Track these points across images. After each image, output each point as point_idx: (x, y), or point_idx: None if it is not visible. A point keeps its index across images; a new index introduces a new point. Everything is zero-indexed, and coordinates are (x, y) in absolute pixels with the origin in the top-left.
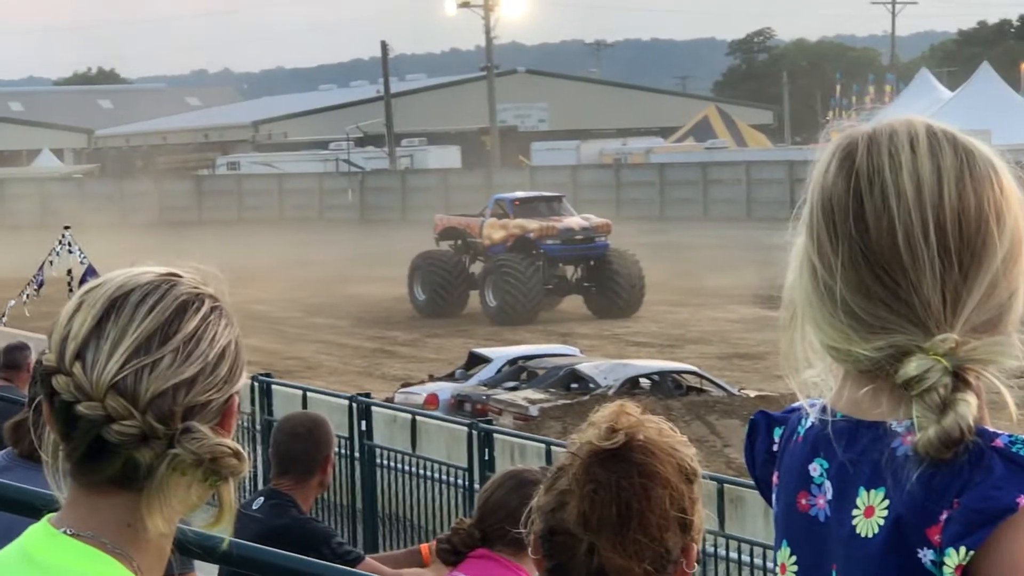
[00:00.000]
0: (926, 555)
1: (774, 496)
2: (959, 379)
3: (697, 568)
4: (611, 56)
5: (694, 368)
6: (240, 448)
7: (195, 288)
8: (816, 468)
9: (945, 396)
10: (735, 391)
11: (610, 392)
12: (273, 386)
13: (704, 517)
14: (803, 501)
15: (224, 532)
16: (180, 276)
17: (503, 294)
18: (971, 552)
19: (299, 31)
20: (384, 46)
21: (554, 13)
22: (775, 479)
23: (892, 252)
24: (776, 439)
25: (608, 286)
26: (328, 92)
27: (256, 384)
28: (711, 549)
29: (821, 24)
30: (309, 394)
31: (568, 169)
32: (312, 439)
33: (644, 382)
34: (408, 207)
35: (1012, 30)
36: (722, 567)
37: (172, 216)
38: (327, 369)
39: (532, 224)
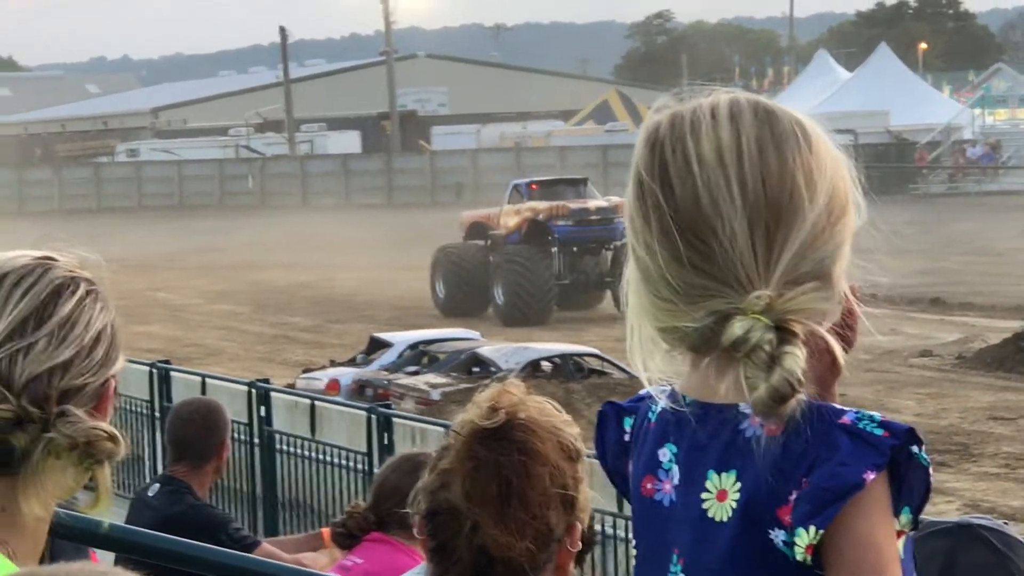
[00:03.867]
0: (777, 536)
1: (631, 486)
2: (785, 333)
3: (595, 549)
4: (511, 40)
5: (595, 351)
6: (116, 431)
7: (70, 272)
8: (665, 453)
9: (772, 352)
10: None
11: (512, 375)
12: (172, 373)
13: (590, 496)
14: (648, 486)
15: (103, 515)
16: (55, 260)
17: (511, 291)
18: (821, 531)
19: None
20: (283, 32)
21: None
22: (630, 468)
23: (699, 216)
24: (627, 429)
25: None
26: (227, 78)
27: (155, 371)
28: (610, 531)
29: (720, 6)
30: (208, 380)
31: (469, 153)
32: (207, 425)
33: (546, 365)
34: (308, 193)
35: (910, 11)
36: (621, 548)
37: (71, 204)
38: (228, 355)
39: (542, 205)
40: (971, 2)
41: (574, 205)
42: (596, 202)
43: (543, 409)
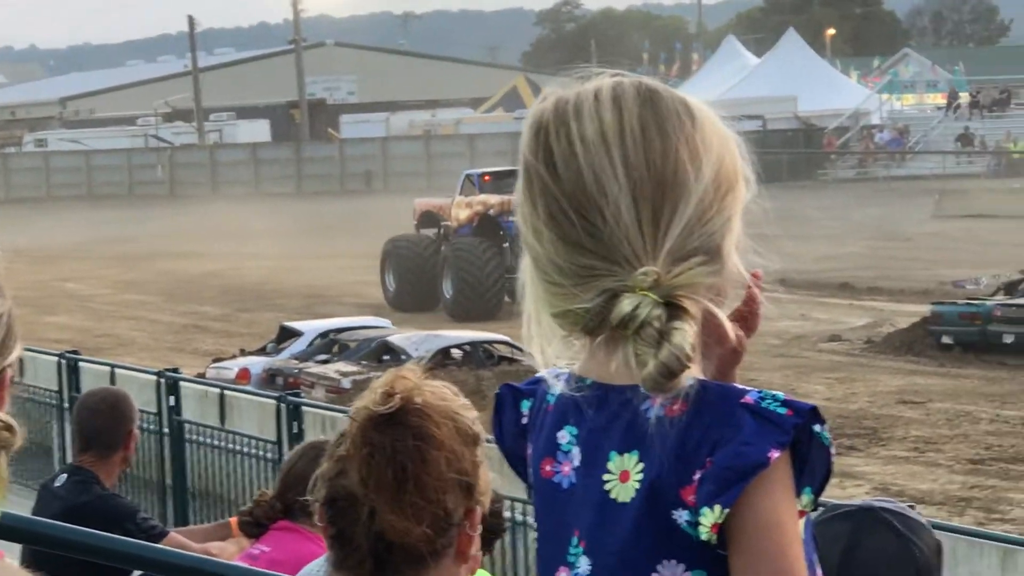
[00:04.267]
0: (681, 516)
1: (530, 468)
2: (674, 309)
3: (506, 535)
4: (420, 27)
5: (505, 338)
6: (12, 421)
7: None
8: (565, 435)
9: (660, 328)
10: None
11: (421, 363)
12: (81, 363)
13: (490, 480)
14: (547, 468)
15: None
16: None
17: (458, 284)
18: (726, 510)
19: (105, 7)
20: (191, 20)
21: None
22: (529, 452)
23: (585, 197)
24: (525, 412)
25: None
26: (135, 67)
27: (63, 361)
28: (520, 517)
29: None
30: (117, 370)
31: (378, 141)
32: (113, 415)
33: (456, 353)
34: (218, 182)
35: None
36: (532, 535)
37: None
38: (139, 346)
39: (494, 199)
40: None
41: None
42: None
43: (439, 394)
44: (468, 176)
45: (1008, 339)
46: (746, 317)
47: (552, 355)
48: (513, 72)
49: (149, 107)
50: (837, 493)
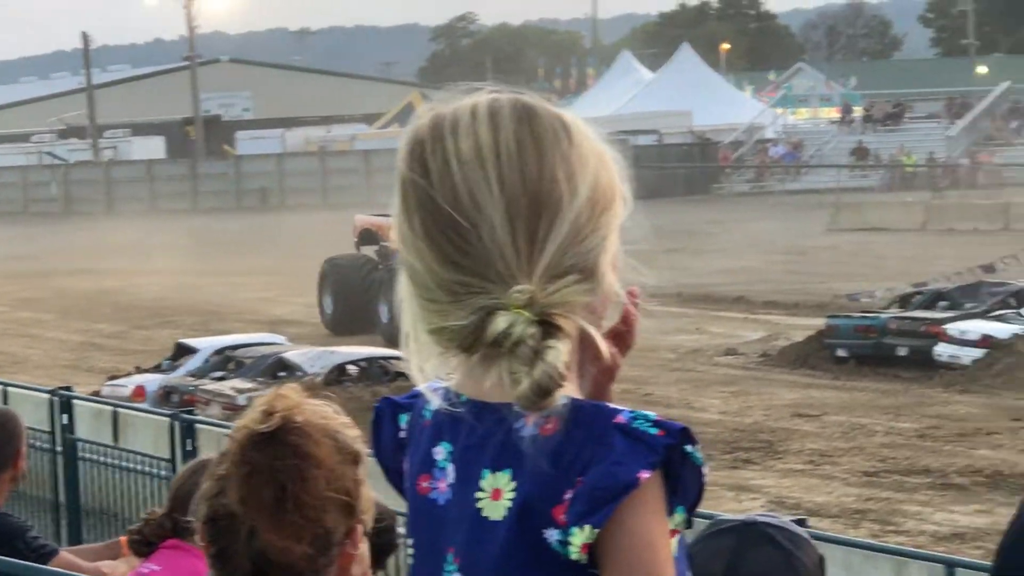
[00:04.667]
0: (552, 535)
1: (405, 484)
2: (549, 327)
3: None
4: (316, 43)
5: (401, 354)
6: None
7: None
8: (440, 451)
9: (535, 347)
10: None
11: (318, 380)
12: None
13: (372, 498)
14: (424, 484)
15: None
16: None
17: (395, 309)
18: (596, 530)
19: None
20: (85, 37)
21: (257, 2)
22: (406, 466)
23: (461, 214)
24: (402, 426)
25: None
26: (29, 84)
27: None
28: None
29: (525, 8)
30: (9, 389)
31: (274, 157)
32: (1, 434)
33: (352, 369)
34: (113, 199)
35: (712, 12)
36: None
37: None
38: (34, 363)
39: None
40: (772, 2)
41: None
42: None
43: (320, 412)
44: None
45: (902, 352)
46: (622, 335)
47: (430, 372)
48: (408, 88)
49: (43, 124)
50: (733, 507)
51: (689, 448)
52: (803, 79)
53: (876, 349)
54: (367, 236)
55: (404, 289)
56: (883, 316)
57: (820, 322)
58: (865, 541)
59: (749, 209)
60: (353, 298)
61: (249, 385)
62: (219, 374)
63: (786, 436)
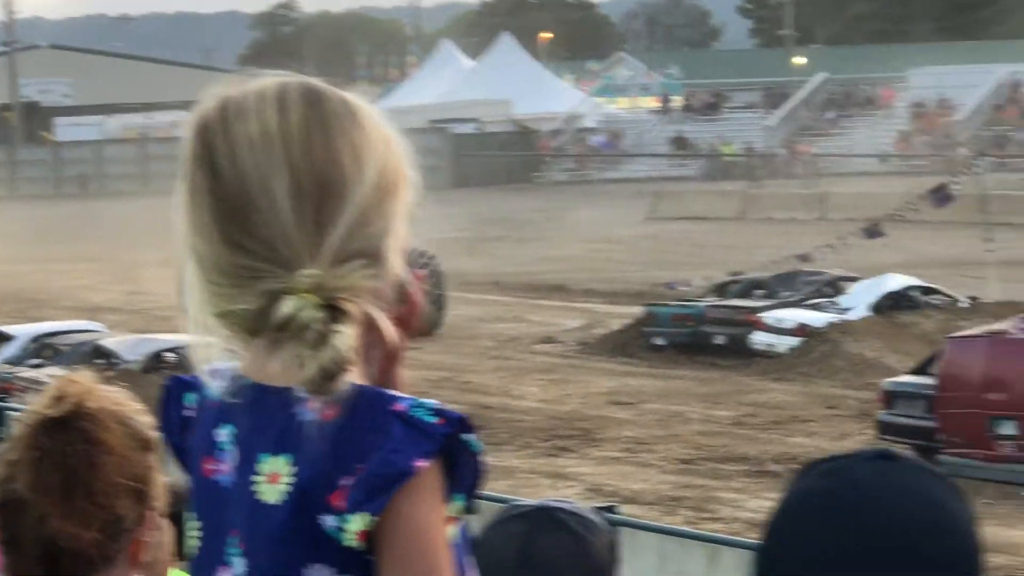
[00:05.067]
0: (328, 521)
1: (190, 464)
2: (335, 311)
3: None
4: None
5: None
6: None
7: None
8: (223, 434)
9: (321, 331)
10: None
11: (135, 367)
12: None
13: (164, 484)
14: (208, 466)
15: None
16: None
17: None
18: (374, 517)
19: None
20: None
21: None
22: (191, 446)
23: (247, 198)
24: (188, 405)
25: None
26: None
27: None
28: None
29: None
30: None
31: (93, 144)
32: None
33: (169, 356)
34: None
35: (533, 1)
36: None
37: None
38: None
39: None
40: None
41: None
42: None
43: (112, 398)
44: None
45: (719, 340)
46: (406, 320)
47: (216, 355)
48: (229, 76)
49: None
50: (551, 495)
51: (467, 437)
52: (623, 68)
53: (693, 337)
54: None
55: (191, 273)
56: (700, 305)
57: (638, 310)
58: (679, 528)
59: (570, 198)
60: None
61: (66, 373)
62: (36, 361)
63: (603, 424)
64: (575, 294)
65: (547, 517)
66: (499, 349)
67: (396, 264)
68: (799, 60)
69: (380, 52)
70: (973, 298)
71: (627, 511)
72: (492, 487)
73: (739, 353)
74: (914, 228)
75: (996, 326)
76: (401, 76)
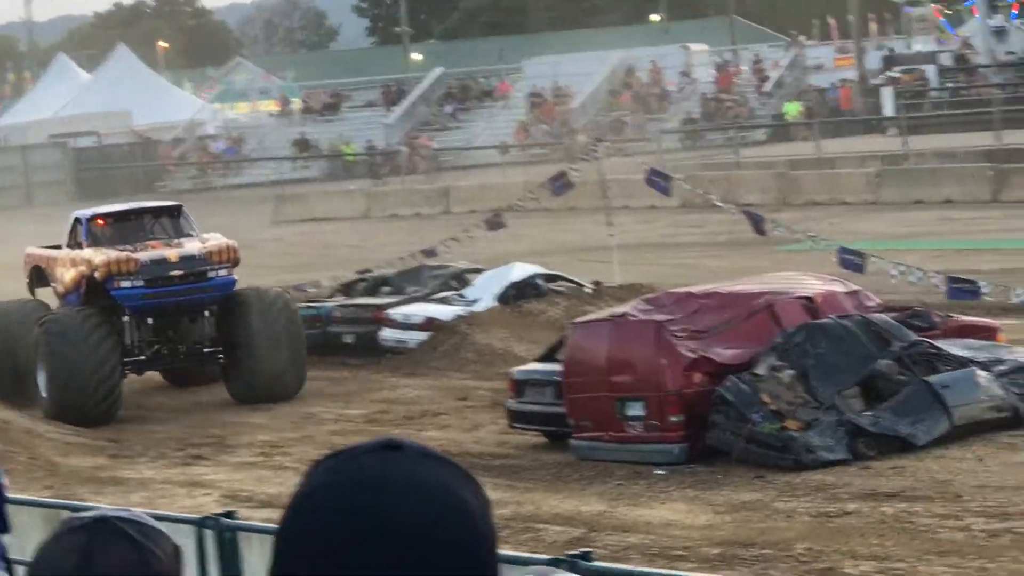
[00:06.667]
0: None
1: None
2: None
3: None
4: None
5: None
6: None
7: None
8: None
9: None
10: None
11: None
12: None
13: None
14: None
15: None
16: None
17: (54, 377)
18: None
19: None
20: None
21: None
22: None
23: None
24: None
25: (248, 351)
26: None
27: None
28: None
29: None
30: None
31: None
32: None
33: None
34: None
35: (148, 11)
36: None
37: None
38: None
39: (99, 258)
40: None
41: (146, 256)
42: (183, 249)
43: None
44: (77, 219)
45: (348, 339)
46: None
47: None
48: None
49: None
50: (188, 503)
51: None
52: (241, 73)
53: (323, 338)
54: (39, 275)
55: None
56: (328, 305)
57: None
58: None
59: (195, 206)
60: (11, 360)
61: None
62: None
63: (236, 430)
64: None
65: (107, 527)
66: None
67: None
68: (416, 56)
69: None
70: (597, 283)
71: (262, 515)
72: (127, 500)
73: (369, 351)
74: (537, 216)
75: (618, 309)
76: (17, 92)
